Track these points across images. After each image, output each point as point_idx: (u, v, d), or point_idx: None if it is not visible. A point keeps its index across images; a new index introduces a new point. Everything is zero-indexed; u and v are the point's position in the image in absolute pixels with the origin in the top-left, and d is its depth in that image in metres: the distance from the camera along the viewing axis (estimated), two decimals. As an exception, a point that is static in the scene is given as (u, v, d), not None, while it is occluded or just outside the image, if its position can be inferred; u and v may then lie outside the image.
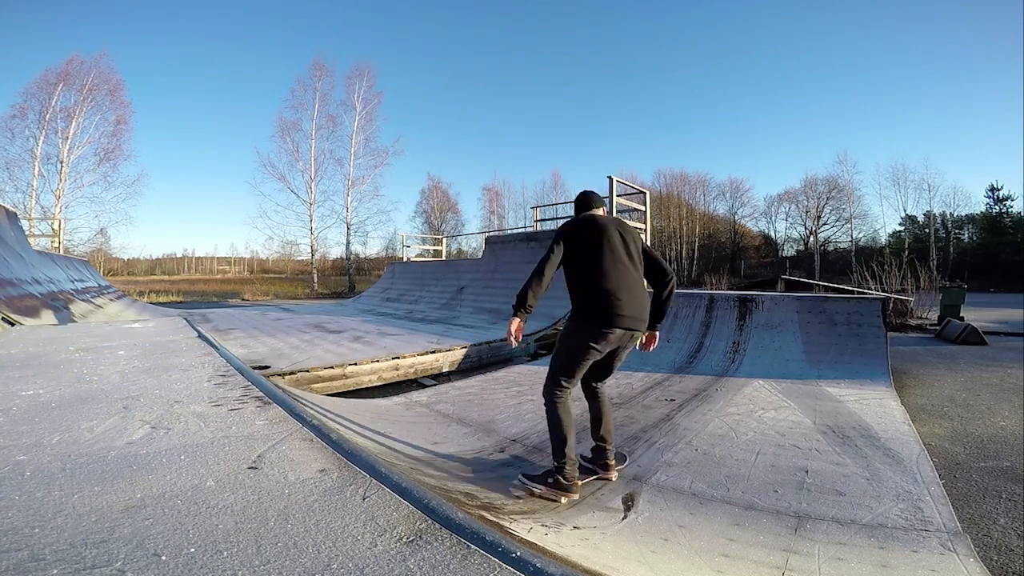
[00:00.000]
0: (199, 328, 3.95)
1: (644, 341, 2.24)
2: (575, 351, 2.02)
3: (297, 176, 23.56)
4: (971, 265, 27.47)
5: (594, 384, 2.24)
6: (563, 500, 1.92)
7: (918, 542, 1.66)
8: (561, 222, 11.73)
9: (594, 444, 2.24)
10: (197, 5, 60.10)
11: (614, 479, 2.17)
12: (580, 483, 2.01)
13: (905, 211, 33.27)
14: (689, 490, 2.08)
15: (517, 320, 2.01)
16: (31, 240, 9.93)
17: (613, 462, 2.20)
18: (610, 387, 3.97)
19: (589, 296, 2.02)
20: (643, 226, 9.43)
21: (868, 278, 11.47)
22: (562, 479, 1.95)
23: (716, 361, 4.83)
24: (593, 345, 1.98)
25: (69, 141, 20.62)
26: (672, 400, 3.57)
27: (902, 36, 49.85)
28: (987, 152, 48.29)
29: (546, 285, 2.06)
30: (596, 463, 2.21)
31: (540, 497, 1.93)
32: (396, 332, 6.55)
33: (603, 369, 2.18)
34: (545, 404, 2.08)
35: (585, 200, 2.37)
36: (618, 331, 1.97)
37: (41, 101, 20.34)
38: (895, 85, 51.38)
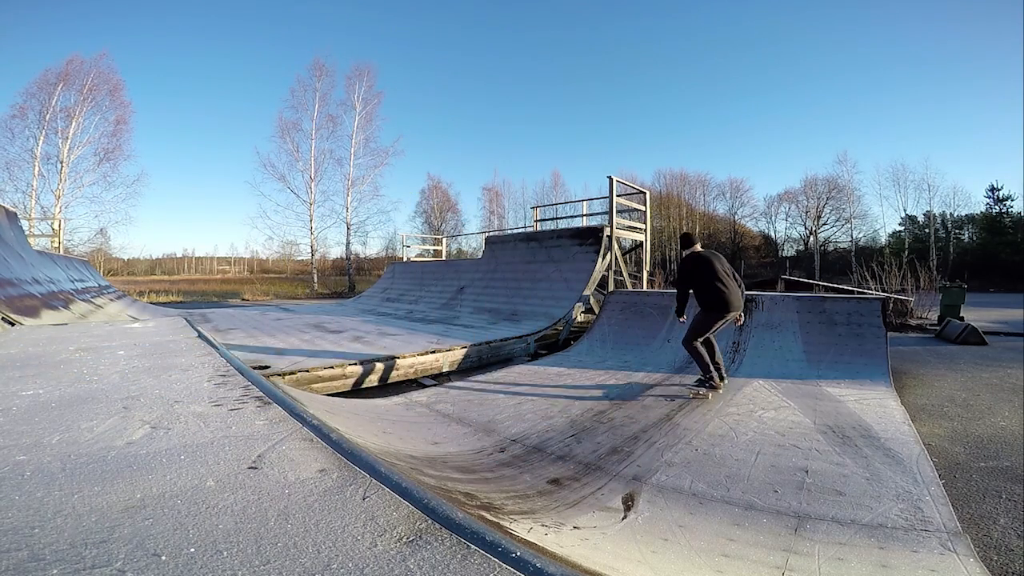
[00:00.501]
0: (199, 328, 3.95)
1: (738, 320, 4.04)
2: (707, 325, 3.76)
3: (297, 176, 23.57)
4: (971, 265, 27.46)
5: (710, 336, 3.86)
6: (710, 396, 3.63)
7: (918, 542, 1.66)
8: (561, 223, 11.84)
9: (714, 365, 3.79)
10: (197, 5, 60.03)
11: (724, 386, 3.83)
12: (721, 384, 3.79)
13: (905, 211, 33.30)
14: (689, 490, 2.08)
15: (680, 318, 4.01)
16: (31, 240, 9.92)
17: (726, 375, 3.93)
18: (610, 387, 3.99)
19: (715, 298, 3.73)
20: (643, 226, 9.44)
21: (868, 278, 11.46)
22: (712, 383, 3.74)
23: (716, 361, 4.83)
24: (718, 322, 3.75)
25: (69, 141, 20.60)
26: (672, 400, 3.57)
27: (902, 36, 49.81)
28: (987, 152, 48.22)
29: (685, 299, 3.93)
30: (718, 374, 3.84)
31: (703, 397, 3.63)
32: (396, 332, 6.55)
33: (717, 330, 3.84)
34: (688, 350, 3.84)
35: (689, 239, 4.05)
36: (732, 313, 3.75)
37: (41, 101, 20.34)
38: (895, 85, 51.33)
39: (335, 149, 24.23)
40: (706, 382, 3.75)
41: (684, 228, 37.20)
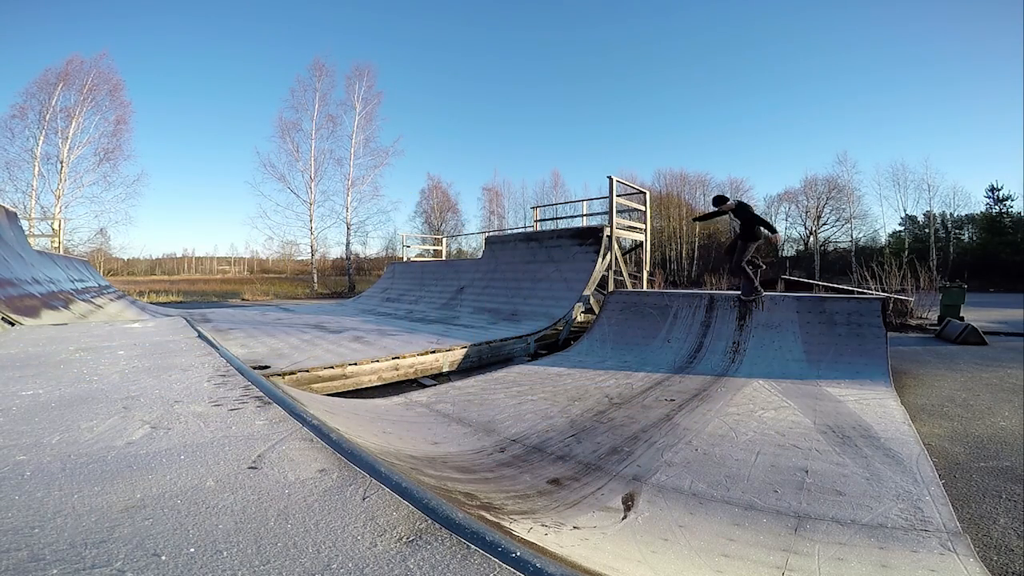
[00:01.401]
0: (199, 328, 3.95)
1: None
2: (748, 250, 5.67)
3: (297, 176, 23.57)
4: (971, 265, 27.44)
5: (753, 259, 5.82)
6: (760, 295, 5.45)
7: (918, 542, 1.66)
8: (561, 223, 11.87)
9: (759, 281, 5.67)
10: (197, 5, 60.13)
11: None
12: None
13: (905, 211, 33.26)
14: (689, 490, 2.08)
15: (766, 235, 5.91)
16: (31, 240, 9.92)
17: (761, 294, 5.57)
18: (610, 387, 3.99)
19: (755, 232, 5.65)
20: (643, 226, 9.44)
21: (868, 278, 11.46)
22: (757, 293, 5.41)
23: (716, 361, 4.83)
24: (755, 246, 5.75)
25: (69, 141, 20.61)
26: (672, 400, 3.57)
27: (902, 36, 49.90)
28: (987, 152, 48.34)
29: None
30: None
31: (755, 300, 5.40)
32: (396, 332, 6.55)
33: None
34: (741, 270, 5.58)
35: (724, 196, 5.83)
36: (761, 239, 5.75)
37: (41, 101, 20.35)
38: (895, 85, 51.45)
39: (335, 149, 24.27)
40: (754, 291, 5.43)
41: (684, 228, 37.31)
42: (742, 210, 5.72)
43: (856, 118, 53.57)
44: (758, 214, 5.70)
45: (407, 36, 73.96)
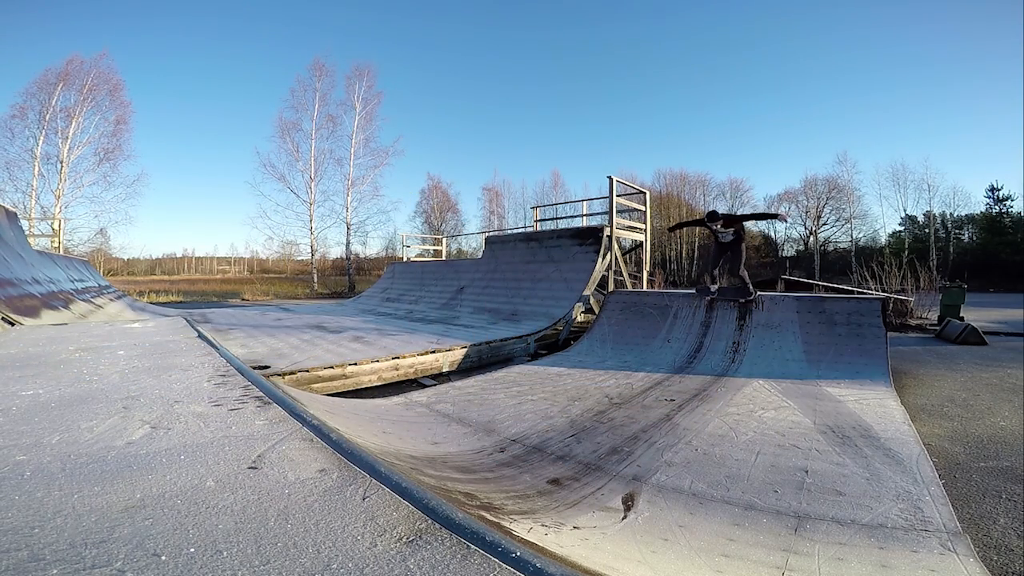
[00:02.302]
0: (199, 328, 3.95)
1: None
2: (744, 249, 5.77)
3: (297, 176, 23.58)
4: (971, 265, 27.44)
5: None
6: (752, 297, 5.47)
7: (918, 542, 1.66)
8: (561, 223, 11.88)
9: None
10: (197, 5, 60.13)
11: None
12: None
13: (905, 211, 33.25)
14: (689, 490, 2.08)
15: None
16: (31, 240, 9.92)
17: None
18: (610, 387, 3.99)
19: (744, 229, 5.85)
20: (643, 226, 9.44)
21: (868, 278, 11.46)
22: (751, 290, 5.51)
23: (716, 361, 4.83)
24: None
25: (69, 141, 20.62)
26: (672, 400, 3.57)
27: (902, 36, 49.88)
28: (987, 152, 48.30)
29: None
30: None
31: (750, 302, 5.46)
32: (396, 332, 6.55)
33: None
34: (743, 274, 5.59)
35: (716, 212, 5.66)
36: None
37: (41, 101, 20.36)
38: (895, 85, 51.42)
39: (335, 149, 24.27)
40: (748, 292, 5.52)
41: (683, 228, 37.33)
42: (732, 221, 5.73)
43: (856, 118, 53.51)
44: (746, 213, 5.97)
45: (407, 36, 73.91)
